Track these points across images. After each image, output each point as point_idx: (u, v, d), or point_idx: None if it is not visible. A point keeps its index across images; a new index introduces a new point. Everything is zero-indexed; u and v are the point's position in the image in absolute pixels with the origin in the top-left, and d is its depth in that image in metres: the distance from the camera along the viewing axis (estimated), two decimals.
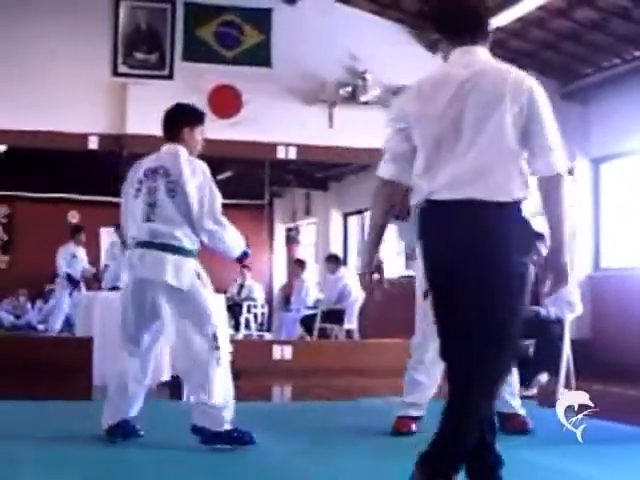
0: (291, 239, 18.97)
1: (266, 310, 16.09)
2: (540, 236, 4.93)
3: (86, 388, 7.96)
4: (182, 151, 5.23)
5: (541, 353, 7.42)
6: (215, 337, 5.03)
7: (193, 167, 5.14)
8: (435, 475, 3.42)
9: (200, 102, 10.40)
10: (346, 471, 4.72)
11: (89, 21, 10.66)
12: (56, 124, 10.36)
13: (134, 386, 5.29)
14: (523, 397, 6.16)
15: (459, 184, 3.51)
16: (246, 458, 4.89)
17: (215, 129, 9.75)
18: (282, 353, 10.56)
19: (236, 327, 14.58)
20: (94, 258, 13.85)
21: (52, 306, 15.38)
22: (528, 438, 5.58)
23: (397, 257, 15.00)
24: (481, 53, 3.76)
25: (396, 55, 11.19)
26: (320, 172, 17.32)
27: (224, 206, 5.18)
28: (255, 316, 15.53)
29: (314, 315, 12.81)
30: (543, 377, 7.57)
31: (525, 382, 6.96)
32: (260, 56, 10.95)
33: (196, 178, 5.10)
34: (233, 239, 5.25)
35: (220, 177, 11.96)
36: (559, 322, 7.51)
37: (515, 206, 3.52)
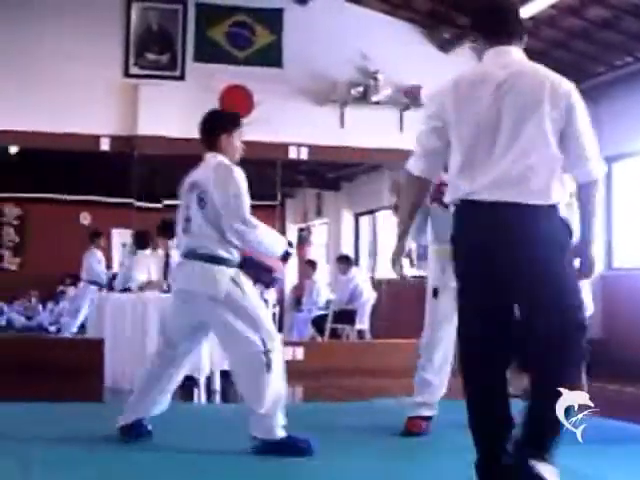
0: (302, 239, 18.94)
1: (277, 311, 16.06)
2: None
3: (97, 389, 7.96)
4: (214, 160, 5.17)
5: None
6: (263, 342, 4.94)
7: (223, 174, 5.07)
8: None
9: (212, 103, 10.46)
10: (358, 471, 4.72)
11: (101, 22, 10.65)
12: (68, 125, 10.35)
13: (157, 390, 5.29)
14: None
15: (500, 187, 3.61)
16: (256, 459, 4.87)
17: None
18: (294, 354, 10.55)
19: None
20: (106, 259, 13.86)
21: (62, 307, 15.42)
22: None
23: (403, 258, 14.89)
24: (515, 53, 3.81)
25: (407, 55, 11.17)
26: (331, 172, 17.30)
27: None
28: None
29: (325, 315, 12.81)
30: None
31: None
32: (271, 56, 10.94)
33: (224, 185, 5.02)
34: (268, 238, 5.16)
35: None
36: None
37: (556, 208, 3.65)
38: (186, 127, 10.34)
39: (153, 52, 10.80)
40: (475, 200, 3.62)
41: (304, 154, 11.18)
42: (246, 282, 5.09)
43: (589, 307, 7.48)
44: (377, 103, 11.07)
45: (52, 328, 15.95)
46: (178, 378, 5.39)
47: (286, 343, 11.37)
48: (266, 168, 13.58)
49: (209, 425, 5.92)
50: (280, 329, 15.75)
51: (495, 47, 3.81)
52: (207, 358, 7.72)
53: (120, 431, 5.25)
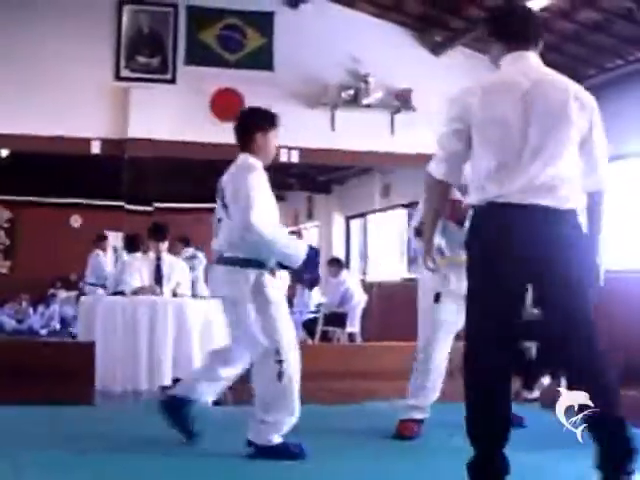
0: None
1: None
2: None
3: (88, 393, 7.94)
4: (240, 160, 5.07)
5: (544, 356, 7.40)
6: (277, 351, 4.85)
7: (238, 175, 4.95)
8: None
9: (202, 106, 10.48)
10: (350, 473, 4.72)
11: (92, 25, 10.65)
12: (58, 129, 10.35)
13: (208, 380, 5.33)
14: (526, 400, 6.14)
15: (529, 192, 3.69)
16: (248, 462, 4.87)
17: (217, 133, 9.76)
18: None
19: None
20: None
21: (53, 310, 15.40)
22: (530, 440, 5.55)
23: (400, 261, 14.99)
24: (532, 59, 3.88)
25: (398, 58, 11.19)
26: (322, 175, 17.33)
27: None
28: None
29: (316, 318, 12.79)
30: (545, 380, 7.55)
31: (528, 385, 6.94)
32: (262, 60, 10.94)
33: (236, 187, 4.89)
34: (279, 245, 4.92)
35: None
36: None
37: (577, 212, 3.82)
38: (177, 130, 10.39)
39: (144, 55, 10.80)
40: (505, 203, 3.69)
41: (295, 157, 11.17)
42: (273, 286, 4.96)
43: None
44: (368, 106, 11.08)
45: (43, 331, 15.94)
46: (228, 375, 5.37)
47: None
48: None
49: (203, 427, 5.90)
50: None
51: (513, 52, 3.86)
52: (199, 361, 7.70)
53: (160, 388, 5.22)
